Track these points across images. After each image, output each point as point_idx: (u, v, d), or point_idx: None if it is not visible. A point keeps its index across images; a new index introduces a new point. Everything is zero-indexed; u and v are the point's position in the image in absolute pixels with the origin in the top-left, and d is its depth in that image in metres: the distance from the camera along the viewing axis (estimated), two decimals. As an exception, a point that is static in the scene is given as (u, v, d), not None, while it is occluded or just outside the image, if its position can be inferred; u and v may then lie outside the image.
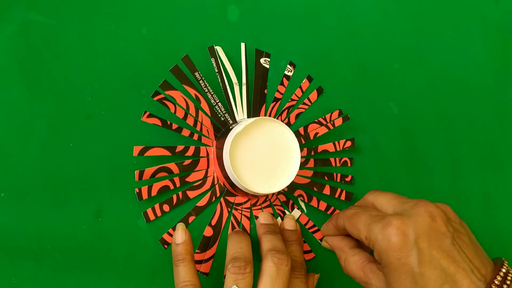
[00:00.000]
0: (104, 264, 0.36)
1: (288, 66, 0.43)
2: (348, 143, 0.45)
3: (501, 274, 0.31)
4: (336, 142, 0.44)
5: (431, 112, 0.49)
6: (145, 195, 0.37)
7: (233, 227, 0.40)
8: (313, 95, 0.44)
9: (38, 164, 0.35)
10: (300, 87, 0.44)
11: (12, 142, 0.34)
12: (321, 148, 0.43)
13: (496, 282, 0.31)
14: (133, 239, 0.37)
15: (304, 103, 0.44)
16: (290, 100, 0.43)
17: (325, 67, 0.45)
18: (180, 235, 0.35)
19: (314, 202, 0.43)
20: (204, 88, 0.40)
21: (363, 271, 0.36)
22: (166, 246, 0.37)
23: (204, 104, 0.39)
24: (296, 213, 0.42)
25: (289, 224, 0.40)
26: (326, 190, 0.43)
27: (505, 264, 0.32)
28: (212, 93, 0.40)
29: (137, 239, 0.37)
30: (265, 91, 0.42)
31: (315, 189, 0.43)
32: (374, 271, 0.35)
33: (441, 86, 0.49)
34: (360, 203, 0.39)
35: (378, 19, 0.48)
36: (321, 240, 0.43)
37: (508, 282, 0.31)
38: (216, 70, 0.40)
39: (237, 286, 0.33)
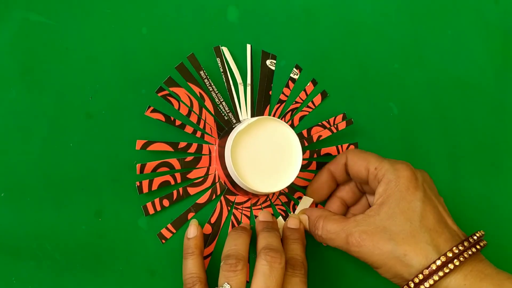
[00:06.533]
0: (104, 264, 0.36)
1: (294, 69, 0.43)
2: (351, 148, 0.44)
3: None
4: (339, 146, 0.44)
5: (431, 112, 0.49)
6: (145, 189, 0.37)
7: (233, 226, 0.40)
8: (317, 99, 0.44)
9: (38, 164, 0.35)
10: (305, 90, 0.44)
11: (12, 142, 0.34)
12: (324, 151, 0.43)
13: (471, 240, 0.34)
14: (133, 239, 0.37)
15: (308, 106, 0.44)
16: (294, 102, 0.43)
17: (324, 67, 0.45)
18: (192, 230, 0.37)
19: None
20: (209, 87, 0.40)
21: (347, 220, 0.36)
22: (164, 241, 0.37)
23: (208, 103, 0.39)
24: (308, 200, 0.41)
25: (292, 223, 0.39)
26: None
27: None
28: (217, 92, 0.40)
29: (137, 239, 0.37)
30: (270, 92, 0.42)
31: None
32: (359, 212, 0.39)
33: (441, 86, 0.49)
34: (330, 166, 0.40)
35: (377, 19, 0.48)
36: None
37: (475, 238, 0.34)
38: (221, 70, 0.40)
39: (228, 284, 0.33)
